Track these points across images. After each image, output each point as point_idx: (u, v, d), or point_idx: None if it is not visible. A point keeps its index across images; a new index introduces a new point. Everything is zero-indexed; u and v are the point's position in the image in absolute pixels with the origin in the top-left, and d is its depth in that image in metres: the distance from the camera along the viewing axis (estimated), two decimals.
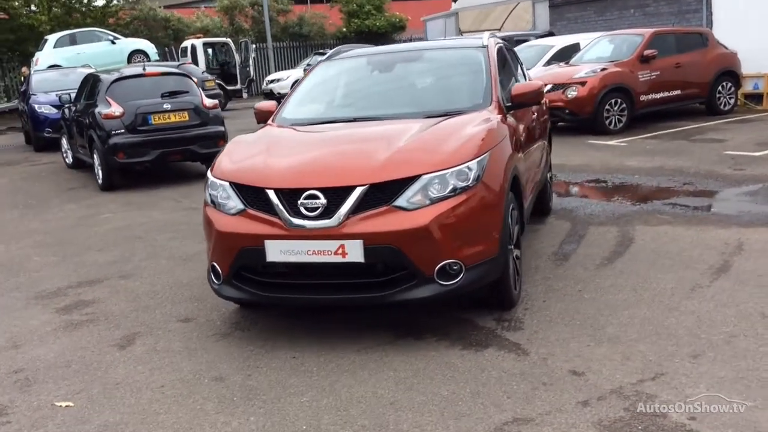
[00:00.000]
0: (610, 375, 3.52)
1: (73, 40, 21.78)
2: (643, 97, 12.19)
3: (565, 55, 14.15)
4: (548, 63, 14.24)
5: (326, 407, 3.40)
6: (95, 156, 10.30)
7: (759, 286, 4.57)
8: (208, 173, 4.43)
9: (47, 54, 21.12)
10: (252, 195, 4.04)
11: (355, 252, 3.79)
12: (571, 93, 11.88)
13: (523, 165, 4.95)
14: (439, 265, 3.84)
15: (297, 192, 3.90)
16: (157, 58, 22.79)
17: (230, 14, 31.47)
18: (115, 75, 10.71)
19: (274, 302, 4.22)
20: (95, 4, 28.64)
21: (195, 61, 22.65)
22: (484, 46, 5.38)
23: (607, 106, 11.87)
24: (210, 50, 23.99)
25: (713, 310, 4.24)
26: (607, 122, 11.91)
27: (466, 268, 3.91)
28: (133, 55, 21.93)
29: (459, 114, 4.66)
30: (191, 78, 11.21)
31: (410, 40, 27.16)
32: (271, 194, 3.94)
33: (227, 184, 4.18)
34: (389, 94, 5.32)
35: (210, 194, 4.28)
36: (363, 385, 3.59)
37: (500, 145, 4.33)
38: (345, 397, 3.49)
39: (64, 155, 12.53)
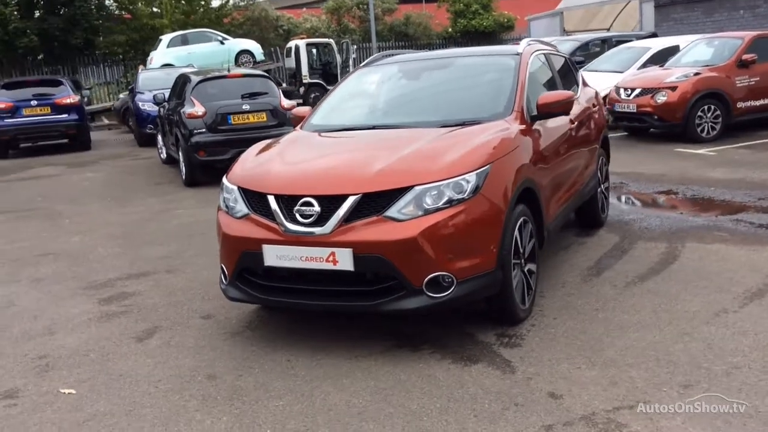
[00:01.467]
0: (588, 400, 3.40)
1: (185, 41, 22.88)
2: (740, 104, 11.49)
3: (663, 57, 13.53)
4: (644, 66, 13.68)
5: (296, 413, 3.47)
6: (180, 153, 10.83)
7: None
8: (224, 177, 4.59)
9: (161, 53, 22.31)
10: (256, 200, 4.17)
11: (345, 260, 3.84)
12: (661, 98, 11.37)
13: (547, 176, 4.83)
14: (428, 277, 3.82)
15: (294, 198, 3.99)
16: (263, 58, 23.56)
17: (337, 14, 32.08)
18: (201, 76, 11.20)
19: (273, 305, 4.33)
20: (212, 5, 30.02)
21: (298, 62, 23.23)
22: (518, 54, 5.28)
23: (699, 113, 11.26)
24: (314, 50, 24.52)
25: (729, 337, 3.99)
26: (699, 130, 11.31)
27: (458, 281, 3.87)
28: (240, 55, 22.79)
29: (476, 123, 4.60)
30: (272, 80, 11.55)
31: (518, 41, 26.74)
32: (271, 200, 4.06)
33: (236, 188, 4.33)
34: (412, 102, 5.33)
35: (223, 197, 4.45)
36: (341, 393, 3.63)
37: (508, 157, 4.25)
38: (318, 404, 3.54)
39: (159, 151, 13.23)
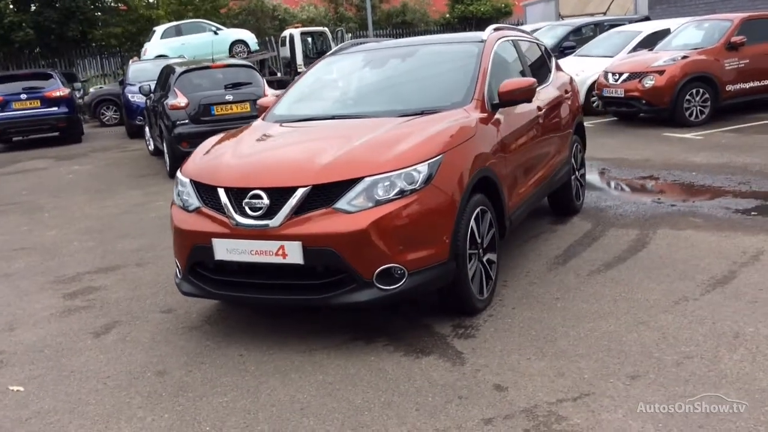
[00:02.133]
0: (532, 392, 3.35)
1: (179, 31, 22.78)
2: (729, 87, 11.36)
3: (654, 41, 13.38)
4: (634, 50, 13.55)
5: (239, 409, 3.43)
6: (164, 144, 10.79)
7: (752, 302, 4.20)
8: (178, 171, 4.54)
9: (155, 44, 22.22)
10: (207, 193, 4.12)
11: (294, 253, 3.79)
12: (648, 82, 11.25)
13: (510, 165, 4.76)
14: (378, 269, 3.77)
15: (243, 191, 3.94)
16: (257, 48, 23.46)
17: (335, 3, 31.94)
18: (185, 67, 11.13)
19: (225, 300, 4.30)
20: None
21: (293, 51, 23.13)
22: (482, 41, 5.21)
23: (687, 97, 11.14)
24: (310, 39, 24.39)
25: (685, 326, 3.93)
26: (687, 114, 11.19)
27: (409, 272, 3.82)
28: (235, 45, 22.69)
29: (434, 112, 4.54)
30: (256, 70, 11.48)
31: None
32: (221, 193, 4.01)
33: (189, 181, 4.28)
34: (374, 91, 5.26)
35: (177, 191, 4.40)
36: (287, 388, 3.60)
37: (463, 146, 4.18)
38: (263, 399, 3.51)
39: (147, 143, 13.18)
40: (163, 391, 3.68)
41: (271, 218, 3.83)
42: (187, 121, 10.32)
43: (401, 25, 32.14)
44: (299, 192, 3.80)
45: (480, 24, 31.21)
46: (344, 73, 5.57)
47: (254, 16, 30.11)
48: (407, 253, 3.82)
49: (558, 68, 6.61)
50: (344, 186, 3.81)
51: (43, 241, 7.29)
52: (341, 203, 3.78)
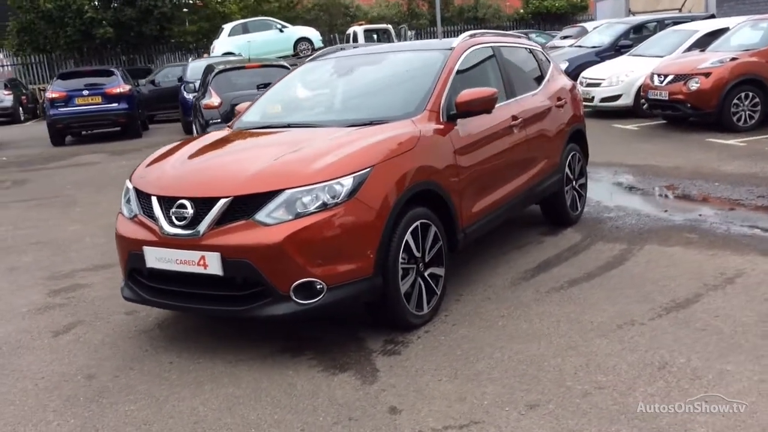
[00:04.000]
0: (423, 417, 3.27)
1: (245, 29, 23.28)
2: None
3: (710, 41, 12.75)
4: (689, 50, 12.95)
5: (139, 419, 3.47)
6: None
7: (700, 329, 3.97)
8: (128, 178, 4.65)
9: (222, 42, 22.80)
10: (145, 201, 4.21)
11: (214, 264, 3.83)
12: (693, 85, 10.75)
13: (467, 177, 4.65)
14: (295, 283, 3.76)
15: (172, 200, 4.00)
16: (321, 45, 23.70)
17: None
18: (222, 66, 11.39)
19: (157, 307, 4.36)
20: None
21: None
22: (449, 49, 5.10)
23: (735, 101, 10.60)
24: (375, 36, 24.49)
25: (615, 353, 3.75)
26: (735, 118, 10.65)
27: (329, 287, 3.79)
28: (299, 43, 23.02)
29: (383, 122, 4.48)
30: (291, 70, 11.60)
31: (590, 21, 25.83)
32: (154, 201, 4.09)
33: (132, 188, 4.38)
34: (332, 99, 5.24)
35: (124, 197, 4.51)
36: (194, 400, 3.63)
37: (399, 158, 4.11)
38: (166, 410, 3.54)
39: None
40: (81, 396, 3.78)
41: (194, 228, 3.88)
42: (219, 120, 10.55)
43: (473, 21, 31.81)
44: (220, 203, 3.83)
45: (555, 20, 30.59)
46: (314, 80, 5.58)
47: (327, 12, 30.40)
48: (327, 267, 3.79)
49: (557, 75, 6.39)
50: (265, 198, 3.81)
51: (61, 236, 7.60)
52: (260, 215, 3.79)
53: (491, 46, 5.54)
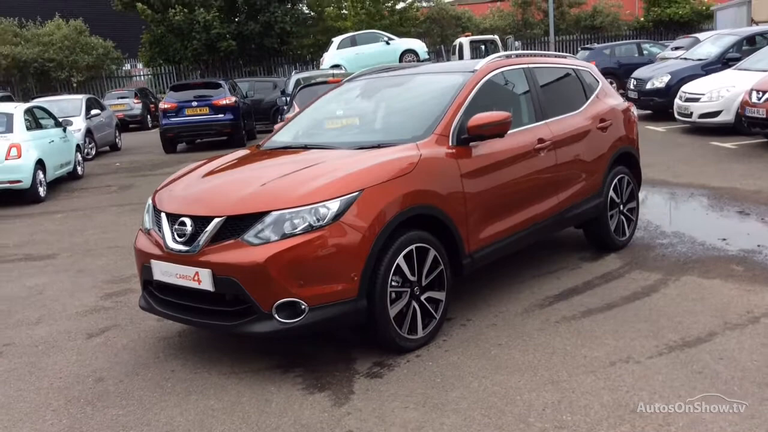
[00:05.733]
0: None
1: (353, 42, 23.79)
2: None
3: None
4: None
5: (121, 424, 3.68)
6: None
7: (696, 372, 3.76)
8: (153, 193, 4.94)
9: (331, 55, 23.42)
10: (157, 216, 4.47)
11: (206, 281, 4.02)
12: None
13: (478, 201, 4.61)
14: (277, 303, 3.88)
15: (176, 217, 4.24)
16: (427, 57, 23.85)
17: (524, 8, 31.51)
18: (306, 81, 11.75)
19: (164, 317, 4.59)
20: (397, 6, 30.85)
21: (461, 59, 23.22)
22: (472, 71, 5.08)
23: None
24: (483, 47, 24.38)
25: (594, 391, 3.62)
26: None
27: (311, 307, 3.89)
28: (405, 55, 23.26)
29: (390, 146, 4.54)
30: None
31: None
32: (163, 217, 4.34)
33: (151, 203, 4.66)
34: (350, 122, 5.31)
35: (146, 212, 4.80)
36: (175, 409, 3.81)
37: (393, 182, 4.14)
38: (147, 418, 3.73)
39: None
40: (83, 398, 4.07)
41: (191, 245, 4.09)
42: None
43: (590, 30, 30.97)
44: (215, 222, 4.03)
45: (677, 28, 29.27)
46: (340, 102, 5.69)
47: (438, 24, 30.55)
48: (309, 287, 3.88)
49: (604, 96, 6.17)
50: (254, 218, 3.97)
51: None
52: (248, 235, 3.94)
53: (522, 68, 5.45)
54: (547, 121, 5.38)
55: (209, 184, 4.57)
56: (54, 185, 12.82)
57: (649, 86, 14.67)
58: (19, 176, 11.28)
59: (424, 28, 29.99)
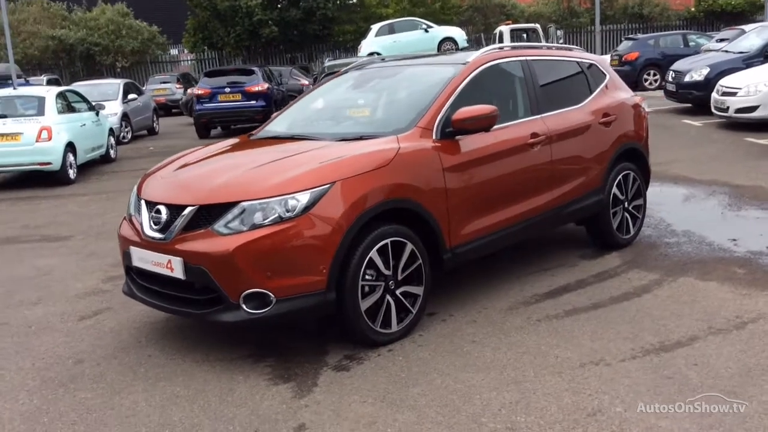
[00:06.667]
0: None
1: (391, 29, 23.65)
2: None
3: None
4: None
5: (85, 407, 3.73)
6: None
7: (666, 377, 3.65)
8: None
9: (369, 42, 23.32)
10: (138, 203, 4.52)
11: (178, 268, 4.05)
12: None
13: (461, 195, 4.55)
14: (245, 293, 3.89)
15: (154, 205, 4.28)
16: (466, 45, 23.60)
17: None
18: (331, 70, 11.72)
19: (143, 303, 4.62)
20: None
21: None
22: (464, 63, 4.99)
23: None
24: (524, 35, 24.01)
25: (556, 393, 3.55)
26: None
27: (278, 299, 3.89)
28: (443, 43, 23.06)
29: (372, 138, 4.50)
30: None
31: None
32: (143, 204, 4.39)
33: (135, 191, 4.72)
34: (337, 112, 5.28)
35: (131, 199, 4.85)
36: (141, 395, 3.84)
37: (367, 175, 4.10)
38: (113, 402, 3.77)
39: None
40: (58, 379, 4.14)
41: (165, 233, 4.13)
42: None
43: (638, 19, 30.24)
44: (187, 210, 4.05)
45: (729, 18, 28.39)
46: (333, 92, 5.66)
47: (481, 12, 30.21)
48: (277, 279, 3.88)
49: (610, 90, 6.00)
50: (225, 208, 3.98)
51: None
52: (218, 225, 3.96)
53: (519, 60, 5.34)
54: (543, 115, 5.26)
55: (188, 173, 4.59)
56: (86, 168, 13.09)
57: (687, 79, 14.26)
58: (49, 158, 11.55)
59: (466, 16, 29.68)
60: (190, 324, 4.86)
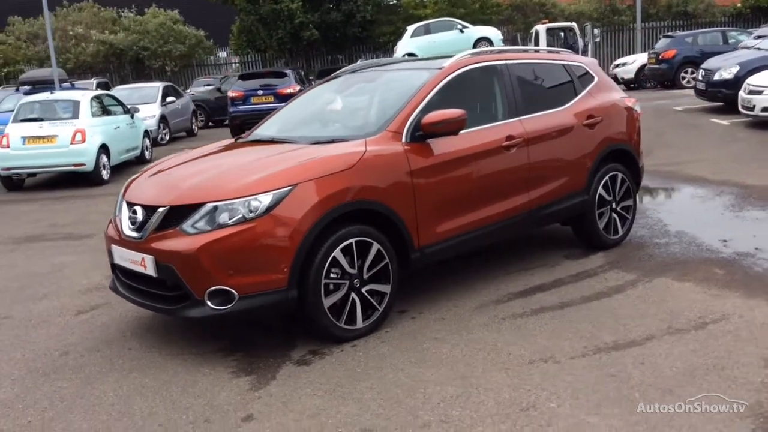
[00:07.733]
0: (264, 428, 3.46)
1: (427, 30, 23.73)
2: None
3: None
4: None
5: (59, 397, 3.96)
6: None
7: (608, 375, 3.73)
8: None
9: (405, 43, 23.44)
10: (121, 204, 4.78)
11: (150, 266, 4.29)
12: None
13: (429, 197, 4.67)
14: (209, 290, 4.10)
15: (132, 205, 4.53)
16: (501, 44, 23.53)
17: None
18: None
19: (125, 299, 4.86)
20: None
21: (538, 46, 22.80)
22: (439, 68, 5.12)
23: None
24: (562, 34, 23.84)
25: (497, 389, 3.66)
26: None
27: (241, 296, 4.09)
28: (479, 43, 23.00)
29: (341, 141, 4.67)
30: None
31: None
32: (124, 205, 4.65)
33: (121, 192, 4.98)
34: (316, 116, 5.45)
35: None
36: (111, 385, 4.06)
37: (330, 177, 4.26)
38: (84, 391, 3.99)
39: None
40: (41, 369, 4.41)
41: (140, 232, 4.37)
42: None
43: (682, 17, 29.63)
44: (159, 211, 4.29)
45: None
46: (318, 97, 5.84)
47: (521, 11, 30.03)
48: (239, 277, 4.08)
49: (597, 92, 6.03)
50: (192, 209, 4.20)
51: None
52: (186, 225, 4.18)
53: (497, 65, 5.43)
54: (521, 117, 5.34)
55: (168, 176, 4.83)
56: (120, 168, 13.54)
57: (716, 77, 14.01)
58: (82, 159, 12.05)
59: (506, 16, 29.55)
60: (174, 320, 5.10)
